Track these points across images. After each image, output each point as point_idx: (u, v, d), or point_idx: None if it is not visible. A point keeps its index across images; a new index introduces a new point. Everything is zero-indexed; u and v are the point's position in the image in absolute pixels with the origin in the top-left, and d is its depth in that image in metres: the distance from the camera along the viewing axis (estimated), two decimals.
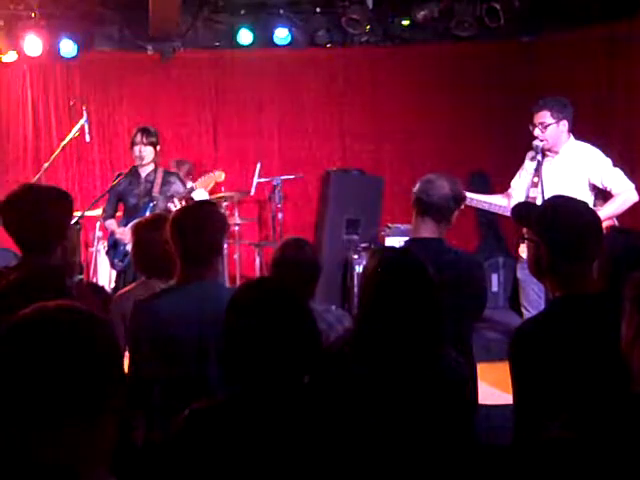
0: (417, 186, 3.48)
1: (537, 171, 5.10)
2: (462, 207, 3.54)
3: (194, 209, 3.01)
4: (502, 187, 5.49)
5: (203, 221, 2.87)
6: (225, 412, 1.87)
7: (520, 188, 5.27)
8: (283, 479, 1.79)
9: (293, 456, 1.78)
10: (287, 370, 1.85)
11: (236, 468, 1.78)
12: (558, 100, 5.18)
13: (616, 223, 5.02)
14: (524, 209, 2.74)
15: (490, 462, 2.42)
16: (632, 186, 5.03)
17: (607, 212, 4.91)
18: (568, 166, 5.09)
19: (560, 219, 2.36)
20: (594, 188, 5.08)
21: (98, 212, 6.03)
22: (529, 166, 5.22)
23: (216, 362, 2.71)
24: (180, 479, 1.87)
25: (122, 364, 1.48)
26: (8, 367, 1.30)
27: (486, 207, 5.24)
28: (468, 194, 4.98)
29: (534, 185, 5.03)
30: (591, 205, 5.05)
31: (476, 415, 2.61)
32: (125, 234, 5.61)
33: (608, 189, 5.01)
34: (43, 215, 2.69)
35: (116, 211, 5.83)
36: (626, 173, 5.11)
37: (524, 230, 2.51)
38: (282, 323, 1.86)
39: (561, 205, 2.47)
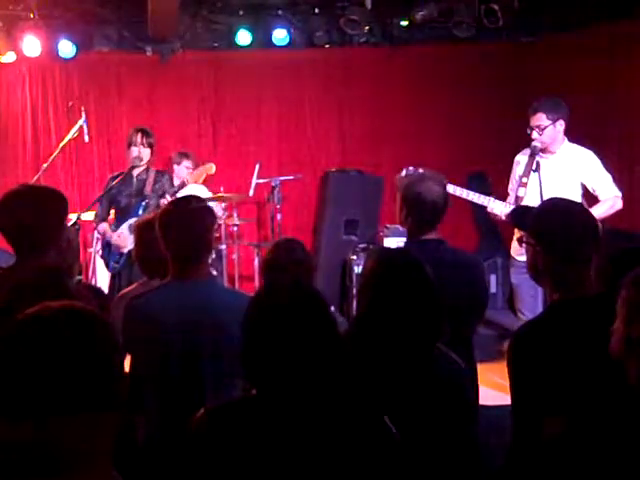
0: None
1: (536, 171, 5.09)
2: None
3: (179, 205, 2.97)
4: (501, 188, 5.48)
5: (189, 217, 2.84)
6: (240, 412, 1.86)
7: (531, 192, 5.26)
8: (296, 478, 1.78)
9: (307, 456, 1.78)
10: (307, 372, 1.84)
11: (252, 468, 1.78)
12: (552, 100, 5.18)
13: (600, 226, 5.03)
14: (520, 212, 2.75)
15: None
16: (619, 194, 5.07)
17: (596, 214, 4.95)
18: (563, 167, 5.10)
19: (555, 222, 2.36)
20: (584, 191, 5.10)
21: (94, 215, 6.02)
22: (521, 168, 5.21)
23: (210, 360, 2.71)
24: (196, 478, 1.87)
25: (123, 364, 1.49)
26: (12, 365, 1.31)
27: (468, 197, 5.08)
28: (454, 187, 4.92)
29: (522, 185, 5.03)
30: None
31: (476, 416, 2.60)
32: (121, 239, 5.58)
33: (596, 193, 5.04)
34: (38, 215, 2.68)
35: (108, 214, 5.83)
36: (625, 173, 5.12)
37: (521, 233, 2.51)
38: (306, 326, 1.84)
39: (556, 208, 2.48)
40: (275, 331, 1.83)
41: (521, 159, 5.26)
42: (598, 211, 4.95)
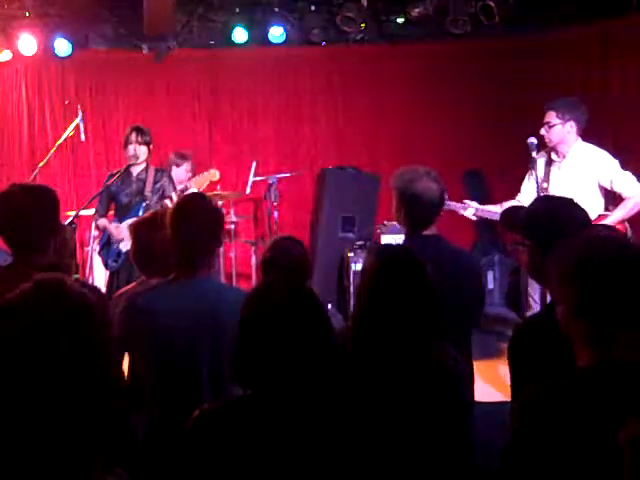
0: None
1: (532, 169, 5.10)
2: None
3: (195, 200, 2.96)
4: (497, 185, 5.50)
5: (204, 211, 2.84)
6: (235, 413, 1.86)
7: (529, 190, 5.23)
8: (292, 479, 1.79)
9: (302, 456, 1.78)
10: (300, 372, 1.84)
11: (245, 468, 1.78)
12: (567, 101, 5.14)
13: (628, 228, 4.92)
14: (510, 215, 2.77)
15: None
16: None
17: (616, 217, 4.85)
18: (577, 169, 5.04)
19: (543, 217, 2.42)
20: (605, 191, 5.02)
21: (93, 211, 6.01)
22: (539, 169, 5.18)
23: (209, 358, 2.70)
24: (192, 478, 1.87)
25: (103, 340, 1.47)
26: None
27: (488, 216, 5.09)
28: (473, 204, 4.94)
29: (544, 190, 4.98)
30: (602, 208, 5.00)
31: (472, 413, 2.61)
32: (119, 229, 5.60)
33: (618, 192, 4.94)
34: (30, 214, 2.67)
35: (108, 211, 5.83)
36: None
37: (514, 236, 2.55)
38: (299, 326, 1.85)
39: (542, 204, 2.57)
40: (270, 332, 1.84)
41: (539, 161, 5.21)
42: (620, 213, 4.87)
